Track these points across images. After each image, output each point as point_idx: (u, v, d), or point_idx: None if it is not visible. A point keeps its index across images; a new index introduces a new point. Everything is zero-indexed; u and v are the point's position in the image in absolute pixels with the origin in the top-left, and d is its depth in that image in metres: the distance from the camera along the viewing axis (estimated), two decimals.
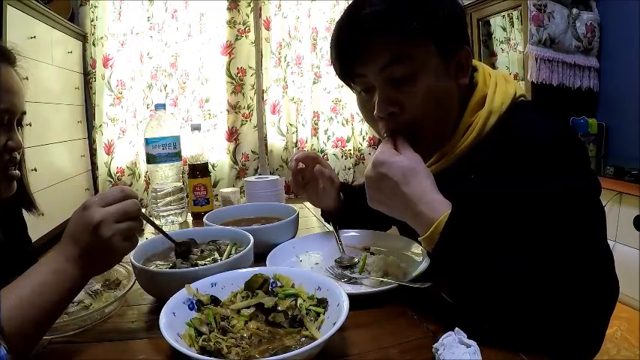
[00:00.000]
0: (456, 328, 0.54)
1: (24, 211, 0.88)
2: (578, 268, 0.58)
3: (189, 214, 1.31)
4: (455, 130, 0.69)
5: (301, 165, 0.95)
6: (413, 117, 0.66)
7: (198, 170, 1.28)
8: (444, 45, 0.64)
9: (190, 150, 1.30)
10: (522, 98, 0.71)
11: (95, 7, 3.05)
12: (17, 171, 0.72)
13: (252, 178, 1.35)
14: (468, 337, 0.53)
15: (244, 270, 0.69)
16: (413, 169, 0.61)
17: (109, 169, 3.22)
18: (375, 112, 0.67)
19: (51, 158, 2.48)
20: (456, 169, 0.69)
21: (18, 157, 0.72)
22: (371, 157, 0.65)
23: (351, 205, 0.98)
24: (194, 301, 0.61)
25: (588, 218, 0.61)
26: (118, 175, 3.25)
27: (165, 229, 1.20)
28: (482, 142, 0.67)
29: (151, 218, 1.27)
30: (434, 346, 0.53)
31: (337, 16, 3.57)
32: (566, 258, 0.58)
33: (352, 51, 0.67)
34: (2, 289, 0.53)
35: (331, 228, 0.98)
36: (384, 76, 0.65)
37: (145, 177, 3.27)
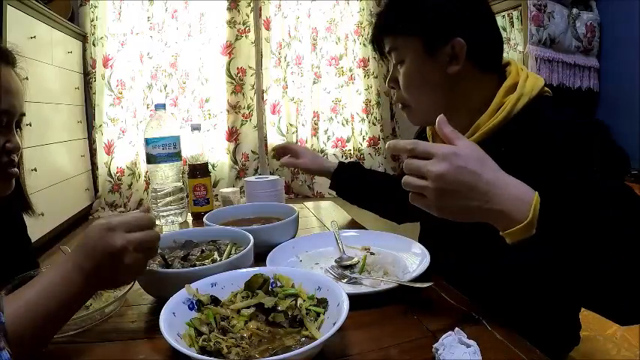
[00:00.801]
0: (456, 328, 0.54)
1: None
2: None
3: (189, 214, 1.31)
4: (485, 109, 0.76)
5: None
6: (403, 93, 0.82)
7: (198, 170, 1.28)
8: (428, 39, 0.76)
9: (190, 150, 1.30)
10: (548, 94, 0.78)
11: (95, 7, 3.05)
12: (15, 169, 0.72)
13: (252, 178, 1.35)
14: (468, 337, 0.53)
15: (244, 270, 0.69)
16: (481, 156, 0.57)
17: (109, 169, 3.22)
18: (386, 82, 0.86)
19: (51, 158, 2.48)
20: (488, 143, 0.70)
21: (16, 159, 0.72)
22: (406, 162, 0.58)
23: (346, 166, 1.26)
24: (194, 301, 0.61)
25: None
26: (117, 175, 3.25)
27: (165, 229, 1.20)
28: (510, 121, 0.73)
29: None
30: (434, 346, 0.53)
31: (337, 16, 3.59)
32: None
33: (373, 42, 0.87)
34: (9, 295, 0.53)
35: (331, 228, 0.98)
36: (391, 58, 0.83)
37: (145, 177, 3.27)
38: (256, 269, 0.68)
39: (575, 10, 2.52)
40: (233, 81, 3.38)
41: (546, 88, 0.78)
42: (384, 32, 0.82)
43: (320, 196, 3.56)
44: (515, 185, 0.56)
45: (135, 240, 0.56)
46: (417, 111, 0.83)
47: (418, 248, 0.85)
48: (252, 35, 3.38)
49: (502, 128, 0.73)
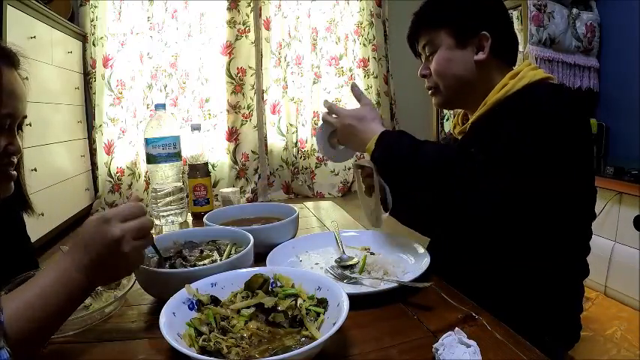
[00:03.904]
0: (456, 328, 0.54)
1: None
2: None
3: (189, 214, 1.31)
4: (491, 89, 0.89)
5: None
6: (435, 77, 0.94)
7: (198, 170, 1.28)
8: (457, 32, 0.90)
9: (190, 150, 1.30)
10: (552, 81, 0.87)
11: (95, 7, 3.05)
12: (14, 171, 0.72)
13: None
14: (468, 337, 0.53)
15: (244, 270, 0.69)
16: (361, 115, 0.88)
17: (109, 169, 3.22)
18: (418, 73, 0.99)
19: (51, 158, 2.48)
20: (490, 113, 0.88)
21: (16, 160, 0.72)
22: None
23: None
24: (194, 301, 0.61)
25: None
26: (117, 175, 3.25)
27: (165, 229, 1.20)
28: (508, 97, 0.85)
29: (151, 218, 1.28)
30: (434, 346, 0.53)
31: (337, 16, 3.59)
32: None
33: (411, 38, 1.00)
34: (8, 293, 0.53)
35: (331, 228, 0.98)
36: (424, 52, 0.97)
37: (145, 177, 3.27)
38: (256, 269, 0.68)
39: (575, 10, 2.52)
40: (233, 81, 3.38)
41: (553, 79, 0.87)
42: (422, 27, 0.95)
43: (320, 196, 3.56)
44: (373, 130, 0.85)
45: (131, 228, 0.57)
46: (444, 94, 0.95)
47: (418, 248, 0.85)
48: (252, 35, 3.38)
49: (502, 101, 0.86)
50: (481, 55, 0.89)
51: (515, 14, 2.63)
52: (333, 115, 0.92)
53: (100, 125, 3.15)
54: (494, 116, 0.86)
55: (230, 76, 3.37)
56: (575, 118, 0.76)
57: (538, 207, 0.72)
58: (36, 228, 2.10)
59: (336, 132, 0.92)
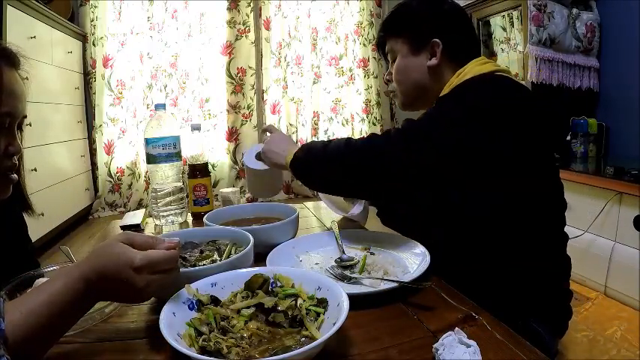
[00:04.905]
0: (456, 328, 0.54)
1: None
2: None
3: (189, 214, 1.31)
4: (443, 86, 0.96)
5: None
6: (394, 83, 1.03)
7: (198, 170, 1.28)
8: (411, 40, 0.97)
9: (190, 150, 1.30)
10: (502, 73, 0.89)
11: (95, 7, 3.05)
12: (15, 175, 0.72)
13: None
14: (468, 337, 0.53)
15: (244, 270, 0.69)
16: (277, 139, 1.03)
17: (109, 169, 3.22)
18: (383, 78, 1.12)
19: (51, 158, 2.49)
20: (437, 105, 0.92)
21: (16, 161, 0.72)
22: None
23: None
24: (194, 301, 0.61)
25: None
26: (117, 175, 3.25)
27: (165, 229, 1.20)
28: (451, 90, 0.90)
29: (151, 219, 1.28)
30: (434, 346, 0.53)
31: (337, 16, 3.59)
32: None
33: (379, 46, 1.09)
34: (12, 301, 0.52)
35: (331, 228, 0.98)
36: (388, 59, 1.05)
37: (145, 177, 3.28)
38: (256, 269, 0.68)
39: (575, 10, 2.52)
40: (233, 81, 3.38)
41: (505, 71, 0.91)
42: (385, 37, 1.03)
43: None
44: (290, 150, 0.97)
45: (157, 281, 0.57)
46: (401, 98, 1.03)
47: (418, 248, 0.85)
48: (252, 35, 3.38)
49: (447, 94, 0.91)
50: (434, 61, 0.95)
51: (515, 14, 2.63)
52: (268, 133, 1.07)
53: (100, 125, 3.15)
54: (439, 103, 0.91)
55: (230, 76, 3.38)
56: (516, 106, 0.81)
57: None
58: (36, 228, 2.11)
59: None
